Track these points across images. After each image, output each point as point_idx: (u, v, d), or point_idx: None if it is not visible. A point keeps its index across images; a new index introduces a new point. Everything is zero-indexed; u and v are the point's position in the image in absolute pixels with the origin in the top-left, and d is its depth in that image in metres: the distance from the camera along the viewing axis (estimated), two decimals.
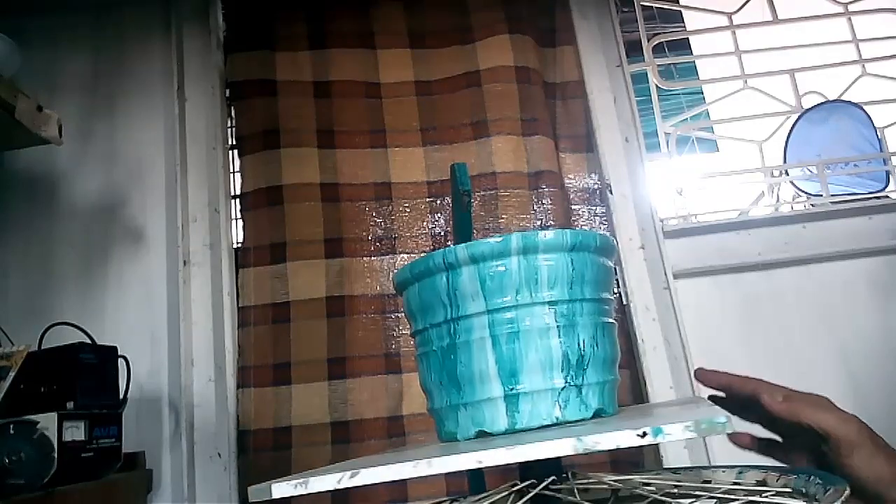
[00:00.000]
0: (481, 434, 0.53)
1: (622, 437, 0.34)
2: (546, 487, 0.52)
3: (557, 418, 0.51)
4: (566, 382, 0.51)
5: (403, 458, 0.40)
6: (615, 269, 1.34)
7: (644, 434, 0.33)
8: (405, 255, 1.36)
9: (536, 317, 0.52)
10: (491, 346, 0.52)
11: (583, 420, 0.51)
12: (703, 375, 0.64)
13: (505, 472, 1.12)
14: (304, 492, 0.39)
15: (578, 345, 0.52)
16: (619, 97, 1.47)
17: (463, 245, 0.53)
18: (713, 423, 0.31)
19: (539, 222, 1.37)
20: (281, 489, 0.40)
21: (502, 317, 0.52)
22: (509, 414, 0.52)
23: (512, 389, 0.51)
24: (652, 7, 1.66)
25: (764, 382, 0.61)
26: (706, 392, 0.66)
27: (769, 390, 0.59)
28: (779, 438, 0.63)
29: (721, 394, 0.65)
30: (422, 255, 1.36)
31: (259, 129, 1.39)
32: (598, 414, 0.53)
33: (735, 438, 0.64)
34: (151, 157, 1.44)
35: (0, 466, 0.90)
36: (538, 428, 0.51)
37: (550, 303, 0.52)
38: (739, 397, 0.62)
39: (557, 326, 0.52)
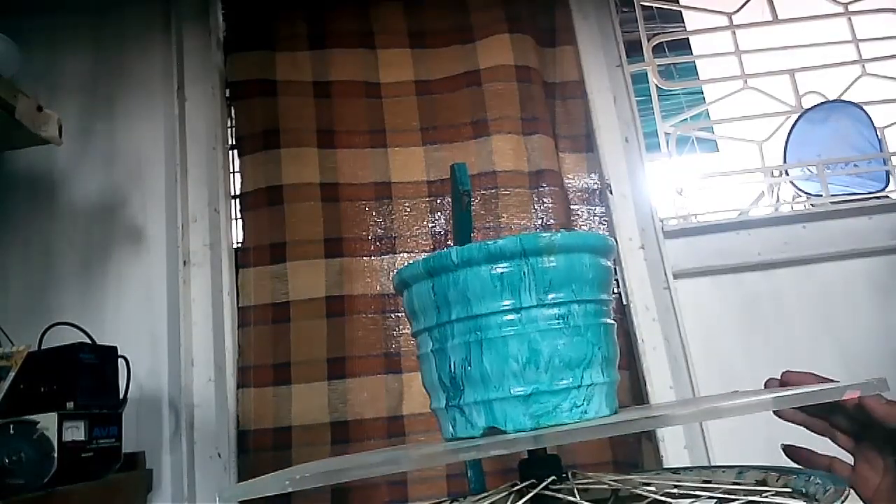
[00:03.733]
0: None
1: None
2: (546, 487, 0.52)
3: (452, 434, 0.54)
4: (447, 403, 0.54)
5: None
6: (614, 268, 1.34)
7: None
8: (405, 255, 1.35)
9: (422, 343, 0.57)
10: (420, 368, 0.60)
11: (471, 437, 0.52)
12: (787, 377, 0.59)
13: (505, 473, 1.12)
14: None
15: (449, 367, 0.53)
16: (619, 97, 1.48)
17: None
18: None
19: (540, 221, 1.37)
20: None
21: (416, 342, 0.59)
22: (440, 426, 0.57)
23: (430, 406, 0.58)
24: (652, 7, 1.66)
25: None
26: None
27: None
28: (846, 459, 0.58)
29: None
30: (422, 254, 1.37)
31: (259, 129, 1.39)
32: (495, 431, 0.51)
33: (794, 454, 0.60)
34: (151, 157, 1.44)
35: (0, 466, 0.90)
36: (449, 440, 0.55)
37: (427, 329, 0.56)
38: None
39: (432, 351, 0.55)
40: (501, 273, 0.51)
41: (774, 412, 0.59)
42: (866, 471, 0.56)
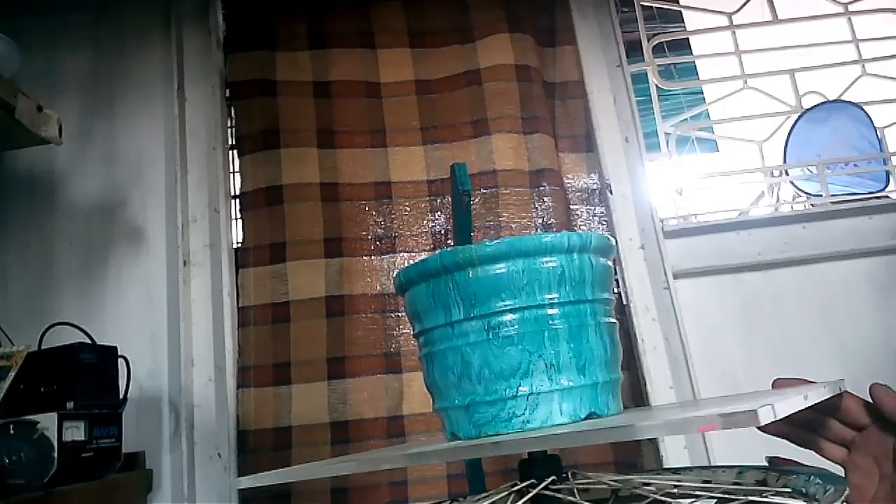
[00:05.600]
0: None
1: None
2: (546, 487, 0.52)
3: (446, 438, 0.57)
4: (432, 406, 0.57)
5: None
6: (615, 268, 1.34)
7: None
8: (405, 254, 1.35)
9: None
10: None
11: (448, 441, 0.55)
12: (777, 384, 0.57)
13: (505, 473, 1.12)
14: None
15: (423, 376, 0.57)
16: (619, 97, 1.47)
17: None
18: None
19: (540, 220, 1.37)
20: None
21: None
22: None
23: None
24: (652, 7, 1.66)
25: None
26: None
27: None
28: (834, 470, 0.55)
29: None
30: (422, 254, 1.37)
31: (259, 129, 1.39)
32: (456, 437, 0.53)
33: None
34: (151, 157, 1.44)
35: (0, 466, 0.90)
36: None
37: (417, 334, 0.57)
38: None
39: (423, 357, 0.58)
40: (432, 290, 0.53)
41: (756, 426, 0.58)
42: (860, 480, 0.54)
